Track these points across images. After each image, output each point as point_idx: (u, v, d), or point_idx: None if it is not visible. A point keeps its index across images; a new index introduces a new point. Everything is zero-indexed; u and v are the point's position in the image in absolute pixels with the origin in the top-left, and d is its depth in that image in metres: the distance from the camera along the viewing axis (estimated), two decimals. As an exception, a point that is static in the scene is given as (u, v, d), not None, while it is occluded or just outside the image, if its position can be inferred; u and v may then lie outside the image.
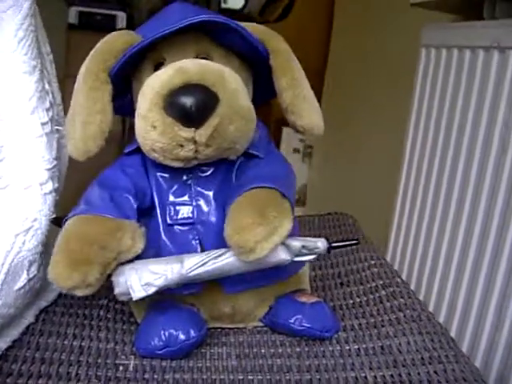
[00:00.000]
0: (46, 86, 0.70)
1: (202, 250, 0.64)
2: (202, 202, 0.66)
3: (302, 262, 0.69)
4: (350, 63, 1.97)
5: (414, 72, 1.25)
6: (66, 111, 0.79)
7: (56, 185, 0.68)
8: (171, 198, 0.67)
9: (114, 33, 0.68)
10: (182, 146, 0.60)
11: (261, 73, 0.71)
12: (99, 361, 0.62)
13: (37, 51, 0.67)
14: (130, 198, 0.65)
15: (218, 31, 0.66)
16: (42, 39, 0.74)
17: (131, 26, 3.93)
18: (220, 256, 0.61)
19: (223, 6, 4.10)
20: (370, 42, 1.83)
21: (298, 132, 0.71)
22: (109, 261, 0.59)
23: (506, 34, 0.95)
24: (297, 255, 0.63)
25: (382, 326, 0.71)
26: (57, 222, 0.68)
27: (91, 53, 0.67)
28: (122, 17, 3.82)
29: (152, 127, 0.60)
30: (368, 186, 1.68)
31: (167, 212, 0.66)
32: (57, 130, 0.71)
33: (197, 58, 0.66)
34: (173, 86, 0.60)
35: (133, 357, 0.63)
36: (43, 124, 0.67)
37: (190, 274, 0.61)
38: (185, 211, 0.66)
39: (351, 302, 0.78)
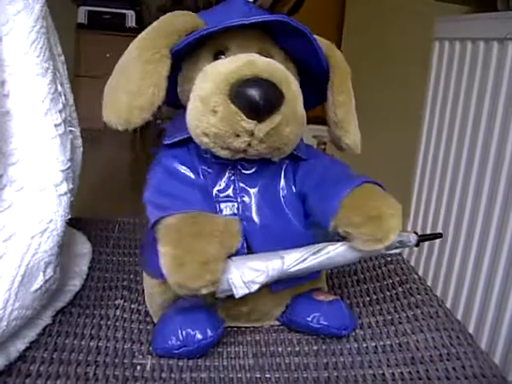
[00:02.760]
0: (59, 88, 0.70)
1: (248, 247, 0.64)
2: (246, 198, 0.67)
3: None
4: (362, 57, 1.96)
5: (427, 65, 1.24)
6: (77, 109, 0.79)
7: (71, 186, 0.68)
8: (216, 194, 0.67)
9: (176, 12, 0.67)
10: (238, 136, 0.60)
11: (305, 81, 0.70)
12: (116, 361, 0.62)
13: (49, 53, 0.68)
14: (207, 192, 0.66)
15: (280, 34, 0.66)
16: (54, 41, 0.74)
17: (140, 24, 3.95)
18: (318, 252, 0.63)
19: None
20: (383, 35, 1.82)
21: (338, 147, 0.73)
22: (225, 256, 0.59)
23: (521, 26, 0.94)
24: (389, 248, 0.64)
25: (400, 323, 0.70)
26: (72, 223, 0.69)
27: (149, 28, 0.66)
28: (131, 15, 3.84)
29: (212, 111, 0.60)
30: (383, 180, 1.67)
31: (211, 208, 0.66)
32: (70, 131, 0.71)
33: (260, 54, 0.65)
34: (242, 76, 0.59)
35: (150, 356, 0.63)
36: (56, 125, 0.67)
37: (291, 270, 0.62)
38: (229, 208, 0.66)
39: (368, 299, 0.78)
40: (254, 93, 0.58)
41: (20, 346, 0.61)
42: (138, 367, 0.62)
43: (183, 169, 0.67)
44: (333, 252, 0.62)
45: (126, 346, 0.65)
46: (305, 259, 0.62)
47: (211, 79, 0.61)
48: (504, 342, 0.92)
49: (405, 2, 1.65)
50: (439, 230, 1.16)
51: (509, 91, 0.96)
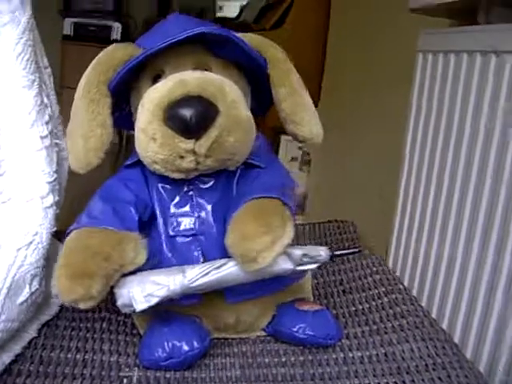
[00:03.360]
0: (45, 100, 0.70)
1: (205, 261, 0.64)
2: (203, 213, 0.67)
3: (304, 271, 0.69)
4: (346, 70, 1.97)
5: (411, 77, 1.26)
6: (63, 121, 0.79)
7: (57, 198, 0.68)
8: (173, 210, 0.67)
9: (113, 45, 0.69)
10: (182, 157, 0.61)
11: (259, 83, 0.71)
12: (103, 373, 0.62)
13: (35, 65, 0.68)
14: (132, 210, 0.65)
15: (216, 43, 0.66)
16: (40, 53, 0.74)
17: (126, 36, 3.95)
18: (222, 266, 0.62)
19: (218, 14, 4.12)
20: (367, 48, 1.84)
21: (297, 141, 0.72)
22: (111, 273, 0.59)
23: (502, 39, 0.95)
24: (299, 264, 0.63)
25: (385, 333, 0.71)
26: (57, 235, 0.69)
27: (91, 65, 0.67)
28: (117, 27, 3.84)
29: (152, 139, 0.61)
30: (368, 193, 1.68)
31: (169, 223, 0.66)
32: (56, 143, 0.71)
33: (196, 69, 0.66)
34: (172, 98, 0.60)
35: (136, 368, 0.63)
36: (43, 137, 0.67)
37: (193, 285, 0.61)
38: (187, 222, 0.66)
39: (354, 309, 0.78)
40: (184, 112, 0.59)
41: (5, 358, 0.61)
42: (125, 380, 0.61)
43: (131, 188, 0.68)
44: (235, 267, 0.61)
45: (112, 359, 0.65)
46: (207, 273, 0.61)
47: (146, 108, 0.62)
48: (489, 350, 0.93)
49: (389, 15, 1.66)
50: (424, 240, 1.17)
51: (491, 103, 0.97)
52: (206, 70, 0.66)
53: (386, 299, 0.79)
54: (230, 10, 4.09)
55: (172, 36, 0.63)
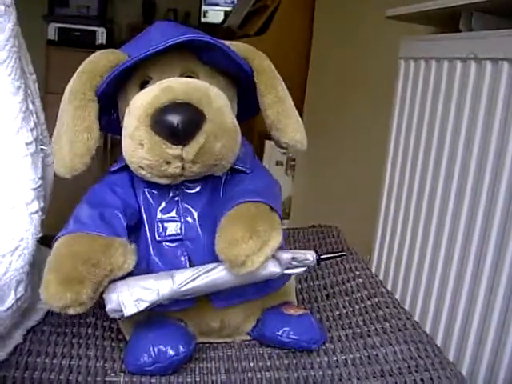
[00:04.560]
0: (30, 106, 0.70)
1: (191, 266, 0.65)
2: (189, 219, 0.67)
3: (289, 275, 0.70)
4: (329, 76, 1.99)
5: (392, 84, 1.27)
6: (48, 127, 0.79)
7: (42, 204, 0.68)
8: (159, 215, 0.67)
9: (99, 52, 0.69)
10: (169, 163, 0.61)
11: (244, 90, 0.72)
12: (89, 379, 0.62)
13: (20, 71, 0.68)
14: (120, 215, 0.65)
15: (202, 50, 0.67)
16: (25, 59, 0.74)
17: (111, 41, 3.94)
18: (211, 270, 0.62)
19: (203, 20, 4.13)
20: (349, 54, 1.85)
21: (281, 148, 0.73)
22: (101, 278, 0.59)
23: (482, 46, 0.96)
24: (287, 268, 0.64)
25: (368, 336, 0.71)
26: (43, 241, 0.69)
27: (77, 72, 0.68)
28: (101, 32, 3.84)
29: (139, 145, 0.61)
30: (351, 197, 1.69)
31: (155, 229, 0.67)
32: (41, 149, 0.72)
33: (182, 76, 0.67)
34: (159, 104, 0.61)
35: (122, 374, 0.64)
36: (28, 144, 0.67)
37: (182, 289, 0.61)
38: (173, 228, 0.67)
39: (337, 313, 0.79)
40: (171, 119, 0.59)
41: (-9, 365, 0.61)
42: (111, 385, 0.62)
43: (118, 193, 0.68)
44: (224, 271, 0.62)
45: (98, 364, 0.65)
46: (196, 278, 0.62)
47: (134, 114, 0.63)
48: (471, 352, 0.94)
49: (371, 21, 1.68)
50: (407, 244, 1.18)
51: (471, 108, 0.99)
52: (192, 76, 0.67)
53: (369, 303, 0.80)
54: (215, 16, 4.10)
55: (157, 43, 0.63)
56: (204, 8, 4.16)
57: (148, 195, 0.68)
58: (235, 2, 3.83)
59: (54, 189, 0.79)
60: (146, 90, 0.65)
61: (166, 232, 0.67)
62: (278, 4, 2.25)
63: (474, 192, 0.97)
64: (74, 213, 0.66)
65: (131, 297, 0.60)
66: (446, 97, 1.07)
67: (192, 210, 0.67)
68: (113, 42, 3.92)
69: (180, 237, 0.66)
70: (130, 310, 0.60)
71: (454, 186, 1.03)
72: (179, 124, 0.59)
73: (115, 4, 4.28)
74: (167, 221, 0.67)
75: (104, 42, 3.82)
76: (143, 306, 0.61)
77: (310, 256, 0.66)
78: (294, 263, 0.65)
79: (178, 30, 0.69)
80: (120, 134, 0.67)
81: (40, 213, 0.68)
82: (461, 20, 1.08)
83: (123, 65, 0.65)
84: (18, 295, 0.64)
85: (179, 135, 0.60)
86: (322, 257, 0.67)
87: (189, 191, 0.68)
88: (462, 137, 1.01)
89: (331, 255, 0.71)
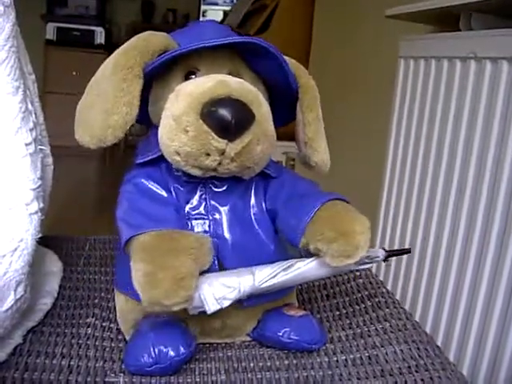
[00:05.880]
0: (29, 106, 0.70)
1: (219, 264, 0.65)
2: (217, 216, 0.67)
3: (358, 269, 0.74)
4: (329, 76, 1.99)
5: (392, 83, 1.27)
6: (48, 128, 0.79)
7: (41, 204, 0.68)
8: (188, 212, 0.67)
9: (150, 32, 0.68)
10: (208, 154, 0.61)
11: (274, 102, 0.72)
12: (89, 379, 0.62)
13: (19, 72, 0.68)
14: (179, 210, 0.66)
15: (251, 54, 0.68)
16: (24, 59, 0.74)
17: (110, 41, 3.94)
18: (289, 268, 0.63)
19: (202, 19, 4.13)
20: (349, 54, 1.85)
21: (306, 166, 0.75)
22: (198, 273, 0.59)
23: (482, 45, 0.97)
24: (361, 263, 0.66)
25: (369, 336, 0.71)
26: (42, 241, 0.68)
27: (124, 46, 0.67)
28: (100, 32, 3.85)
29: (184, 130, 0.61)
30: (351, 197, 1.69)
31: (184, 226, 0.66)
32: (40, 149, 0.71)
33: (230, 75, 0.67)
34: (214, 95, 0.60)
35: (122, 374, 0.63)
36: (27, 144, 0.67)
37: (262, 286, 0.62)
38: (201, 225, 0.67)
39: (337, 313, 0.79)
40: (225, 112, 0.59)
41: (-10, 366, 0.61)
42: (111, 385, 0.62)
43: (155, 187, 0.68)
44: (303, 268, 0.64)
45: (98, 365, 0.65)
46: (275, 275, 0.63)
47: (183, 99, 0.62)
48: (472, 352, 0.94)
49: (370, 20, 1.68)
50: (407, 244, 1.18)
51: (471, 107, 0.99)
52: (239, 77, 0.67)
53: (369, 303, 0.80)
54: (214, 15, 4.11)
55: (212, 38, 0.64)
56: (203, 7, 4.17)
57: (177, 191, 0.68)
58: (234, 2, 3.83)
59: (53, 189, 0.79)
60: (197, 79, 0.65)
61: (193, 229, 0.66)
62: (277, 3, 2.25)
63: (473, 192, 0.97)
64: (136, 207, 0.65)
65: (214, 295, 0.61)
66: (446, 96, 1.07)
67: (220, 207, 0.68)
68: (111, 42, 3.92)
69: (208, 234, 0.66)
70: (213, 307, 0.61)
71: (453, 186, 1.03)
72: (232, 119, 0.59)
73: (114, 4, 4.29)
74: (195, 218, 0.67)
75: (103, 41, 3.83)
76: (226, 303, 0.61)
77: (381, 253, 0.68)
78: (366, 260, 0.66)
79: (226, 30, 0.70)
80: (141, 122, 0.66)
81: (39, 213, 0.68)
82: (460, 19, 1.08)
83: (179, 50, 0.64)
84: (18, 296, 0.64)
85: (230, 130, 0.59)
86: (389, 253, 0.69)
87: (216, 189, 0.68)
88: (461, 136, 1.01)
89: (397, 251, 0.73)
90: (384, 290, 0.82)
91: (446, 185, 1.05)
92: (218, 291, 0.61)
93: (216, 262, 0.65)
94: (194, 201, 0.68)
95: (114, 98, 0.64)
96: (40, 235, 0.67)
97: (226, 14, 3.19)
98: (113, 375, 0.63)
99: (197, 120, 0.60)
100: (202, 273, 0.61)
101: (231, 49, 0.67)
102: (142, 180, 0.68)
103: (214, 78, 0.63)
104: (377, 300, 0.80)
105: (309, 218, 0.63)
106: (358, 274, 0.88)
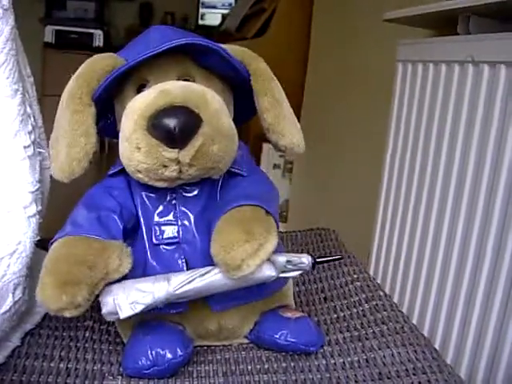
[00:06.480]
0: (28, 109, 0.70)
1: (188, 269, 0.65)
2: (186, 222, 0.67)
3: (286, 278, 0.70)
4: (327, 79, 1.99)
5: (390, 87, 1.27)
6: (45, 129, 0.79)
7: (39, 207, 0.68)
8: (156, 219, 0.67)
9: (96, 56, 0.69)
10: (165, 166, 0.61)
11: (241, 93, 0.72)
12: (87, 382, 0.62)
13: (18, 75, 0.68)
14: (117, 218, 0.65)
15: (199, 53, 0.67)
16: (23, 62, 0.74)
17: (108, 44, 3.94)
18: (206, 273, 0.62)
19: (200, 22, 4.14)
20: (348, 57, 1.86)
21: (280, 151, 0.72)
22: (97, 281, 0.59)
23: (480, 49, 0.97)
24: (282, 271, 0.64)
25: (366, 339, 0.71)
26: (41, 244, 0.69)
27: (73, 76, 0.68)
28: (98, 35, 3.84)
29: (136, 148, 0.61)
30: (349, 200, 1.69)
31: (153, 232, 0.67)
32: (39, 152, 0.72)
33: (179, 79, 0.67)
34: (156, 107, 0.60)
35: (120, 377, 0.64)
36: (26, 147, 0.67)
37: (177, 292, 0.61)
38: (170, 231, 0.67)
39: (335, 316, 0.79)
40: (168, 122, 0.59)
41: (-12, 368, 0.61)
42: (109, 388, 0.62)
43: (116, 196, 0.68)
44: (219, 275, 0.62)
45: (96, 368, 0.65)
46: (192, 280, 0.62)
47: (131, 117, 0.62)
48: (469, 355, 0.94)
49: (369, 24, 1.68)
50: (405, 247, 1.18)
51: (469, 111, 0.99)
52: (189, 80, 0.67)
53: (366, 306, 0.80)
54: (213, 18, 4.11)
55: (154, 47, 0.63)
56: (201, 11, 4.17)
57: (145, 198, 0.68)
58: (233, 5, 3.83)
59: (51, 192, 0.79)
60: (142, 93, 0.65)
61: (163, 235, 0.67)
62: (275, 7, 2.25)
63: (471, 196, 0.97)
64: (71, 215, 0.66)
65: (127, 299, 0.60)
66: (444, 100, 1.07)
67: (189, 213, 0.67)
68: (110, 45, 3.92)
69: (177, 240, 0.66)
70: (125, 312, 0.60)
71: (451, 189, 1.03)
72: (176, 127, 0.59)
73: (112, 7, 4.28)
74: (164, 224, 0.67)
75: (101, 44, 3.82)
76: (139, 308, 0.61)
77: (306, 259, 0.66)
78: (289, 267, 0.65)
79: (175, 33, 0.69)
80: (117, 138, 0.67)
81: (38, 216, 0.68)
82: (458, 23, 1.08)
83: (120, 69, 0.65)
84: (16, 298, 0.64)
85: (176, 138, 0.59)
86: (317, 260, 0.67)
87: (186, 194, 0.68)
88: (459, 140, 1.02)
89: (327, 259, 0.71)
90: (381, 293, 0.82)
91: (444, 188, 1.05)
92: (131, 296, 0.61)
93: (185, 267, 0.65)
94: (164, 207, 0.68)
95: (71, 131, 0.66)
96: (38, 238, 0.67)
97: (224, 17, 3.19)
98: (111, 378, 0.63)
99: (145, 135, 0.60)
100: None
101: (180, 51, 0.67)
102: (98, 190, 0.70)
103: (156, 89, 0.63)
104: (374, 303, 0.80)
105: (214, 228, 0.62)
106: (355, 276, 0.88)
